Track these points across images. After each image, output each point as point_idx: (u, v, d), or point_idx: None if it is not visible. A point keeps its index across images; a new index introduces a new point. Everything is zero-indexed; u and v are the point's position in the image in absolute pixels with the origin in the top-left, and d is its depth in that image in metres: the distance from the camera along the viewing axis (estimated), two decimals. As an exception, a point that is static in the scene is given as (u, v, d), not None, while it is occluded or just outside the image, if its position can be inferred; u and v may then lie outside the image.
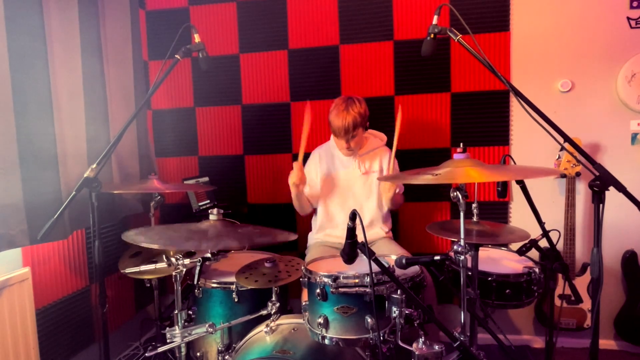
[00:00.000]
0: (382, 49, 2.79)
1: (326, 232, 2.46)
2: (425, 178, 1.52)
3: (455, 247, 1.54)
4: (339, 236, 2.39)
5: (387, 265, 1.39)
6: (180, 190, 2.49)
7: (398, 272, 1.60)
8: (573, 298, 2.47)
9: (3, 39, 1.76)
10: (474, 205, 1.94)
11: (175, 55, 1.91)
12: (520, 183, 1.92)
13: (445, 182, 1.49)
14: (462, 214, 1.56)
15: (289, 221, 2.98)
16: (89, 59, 2.29)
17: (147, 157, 2.88)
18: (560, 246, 2.30)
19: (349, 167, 2.41)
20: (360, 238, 1.36)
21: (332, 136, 2.46)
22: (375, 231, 2.42)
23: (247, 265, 1.92)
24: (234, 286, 1.88)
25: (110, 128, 2.45)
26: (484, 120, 2.73)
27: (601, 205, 1.41)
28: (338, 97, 2.32)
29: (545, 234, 1.91)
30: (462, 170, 1.53)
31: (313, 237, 2.55)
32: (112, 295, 2.64)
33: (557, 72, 2.65)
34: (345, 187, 2.40)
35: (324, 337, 1.50)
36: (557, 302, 2.54)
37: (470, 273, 1.82)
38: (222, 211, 1.71)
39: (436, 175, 1.50)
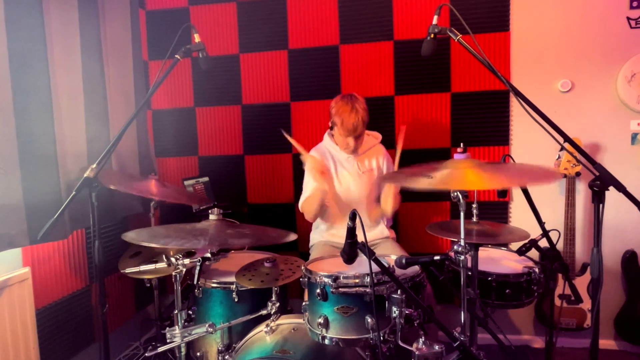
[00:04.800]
0: (382, 49, 2.79)
1: (330, 232, 2.46)
2: (421, 182, 1.50)
3: (455, 247, 1.54)
4: (342, 236, 2.38)
5: (387, 265, 1.39)
6: (176, 200, 2.43)
7: (398, 272, 1.60)
8: (573, 298, 2.47)
9: (3, 40, 1.77)
10: (474, 205, 1.94)
11: (175, 55, 1.91)
12: (520, 183, 1.92)
13: (442, 187, 1.47)
14: (462, 214, 1.56)
15: (289, 221, 2.98)
16: (89, 59, 2.29)
17: (147, 157, 2.88)
18: (560, 246, 2.30)
19: (348, 166, 2.41)
20: (360, 238, 1.36)
21: (325, 136, 2.46)
22: (376, 231, 2.43)
23: (247, 265, 1.92)
24: (234, 286, 1.88)
25: (110, 128, 2.45)
26: (484, 120, 2.73)
27: (601, 205, 1.41)
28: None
29: (545, 234, 1.90)
30: (461, 172, 1.52)
31: (315, 237, 2.55)
32: (112, 295, 2.64)
33: (557, 72, 2.65)
34: (346, 187, 2.40)
35: (324, 337, 1.50)
36: (557, 302, 2.54)
37: (470, 273, 1.82)
38: (221, 211, 1.71)
39: (430, 177, 1.49)
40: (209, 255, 1.73)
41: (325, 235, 2.48)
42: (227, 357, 1.82)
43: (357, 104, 2.24)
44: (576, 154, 1.52)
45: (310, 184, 2.37)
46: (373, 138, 2.49)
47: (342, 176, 2.41)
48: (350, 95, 2.28)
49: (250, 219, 2.99)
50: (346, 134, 2.26)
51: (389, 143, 2.61)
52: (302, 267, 1.64)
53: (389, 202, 2.35)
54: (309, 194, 2.34)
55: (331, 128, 2.36)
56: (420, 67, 2.74)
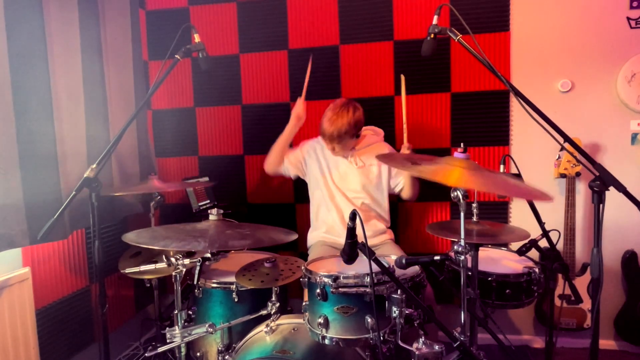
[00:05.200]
0: (382, 49, 2.79)
1: (325, 228, 2.46)
2: (410, 168, 1.56)
3: (455, 247, 1.53)
4: (339, 233, 2.38)
5: (387, 265, 1.39)
6: (180, 189, 2.51)
7: (398, 272, 1.60)
8: (573, 298, 2.46)
9: (3, 39, 1.76)
10: (474, 205, 1.93)
11: (175, 55, 1.91)
12: (520, 183, 1.92)
13: (422, 175, 1.51)
14: (462, 214, 1.56)
15: (289, 221, 2.98)
16: (89, 59, 2.29)
17: (147, 157, 2.88)
18: (560, 246, 2.30)
19: (345, 161, 2.41)
20: (360, 238, 1.36)
21: None
22: (373, 224, 2.42)
23: (247, 265, 1.92)
24: (234, 286, 1.88)
25: (110, 128, 2.45)
26: (484, 120, 2.73)
27: (601, 205, 1.41)
28: (338, 97, 2.32)
29: (545, 234, 1.91)
30: (450, 169, 1.52)
31: (313, 236, 2.54)
32: (112, 295, 2.64)
33: (557, 72, 2.65)
34: (343, 180, 2.41)
35: (324, 337, 1.50)
36: (557, 302, 2.54)
37: (470, 273, 1.82)
38: (221, 211, 1.71)
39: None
40: (208, 255, 1.73)
41: (321, 233, 2.47)
42: (227, 357, 1.82)
43: (344, 114, 2.23)
44: (576, 154, 1.52)
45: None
46: (374, 135, 2.49)
47: (340, 169, 2.41)
48: (345, 103, 2.28)
49: (250, 219, 2.99)
50: (324, 139, 2.31)
51: (386, 139, 2.61)
52: (302, 267, 1.64)
53: (406, 189, 2.42)
54: (281, 136, 2.49)
55: None
56: (420, 67, 2.74)
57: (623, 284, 2.65)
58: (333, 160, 2.42)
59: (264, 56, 2.93)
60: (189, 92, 3.04)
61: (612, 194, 1.38)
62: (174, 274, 1.66)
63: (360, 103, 2.33)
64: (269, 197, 3.01)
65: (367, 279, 1.47)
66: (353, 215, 1.35)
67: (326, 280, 1.50)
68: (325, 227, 2.46)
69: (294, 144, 2.94)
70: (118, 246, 2.57)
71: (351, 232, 1.36)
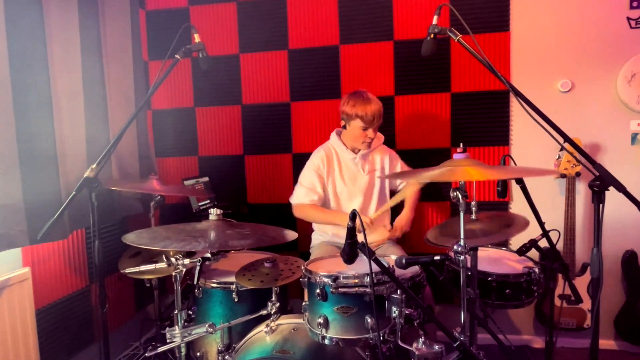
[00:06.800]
0: (382, 49, 2.79)
1: (333, 231, 2.47)
2: (422, 176, 1.54)
3: (455, 247, 1.53)
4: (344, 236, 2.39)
5: (387, 265, 1.39)
6: (179, 194, 2.51)
7: (398, 272, 1.60)
8: (573, 298, 2.46)
9: (3, 39, 1.77)
10: (472, 204, 1.93)
11: (175, 55, 1.91)
12: (520, 183, 1.92)
13: (444, 180, 1.50)
14: (462, 214, 1.56)
15: (289, 221, 2.97)
16: (89, 59, 2.29)
17: (147, 157, 2.88)
18: (560, 246, 2.29)
19: (352, 166, 2.42)
20: (360, 238, 1.37)
21: (333, 135, 2.46)
22: (380, 231, 2.43)
23: (247, 265, 1.92)
24: (234, 286, 1.88)
25: (110, 128, 2.45)
26: (484, 120, 2.73)
27: (601, 205, 1.41)
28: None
29: (545, 234, 1.90)
30: (462, 169, 1.53)
31: (318, 237, 2.55)
32: (112, 295, 2.64)
33: (557, 72, 2.64)
34: (351, 186, 2.42)
35: (324, 337, 1.50)
36: (557, 302, 2.53)
37: (470, 273, 1.82)
38: (221, 211, 1.71)
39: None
40: (208, 255, 1.73)
41: (328, 237, 2.48)
42: (227, 357, 1.82)
43: (370, 95, 2.29)
44: (576, 154, 1.52)
45: (309, 180, 2.38)
46: (376, 140, 2.50)
47: (347, 176, 2.42)
48: (359, 91, 2.32)
49: (250, 219, 2.99)
50: (368, 125, 2.27)
51: (388, 144, 2.61)
52: (302, 267, 1.64)
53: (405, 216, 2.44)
54: (330, 216, 2.40)
55: (344, 127, 2.36)
56: (420, 67, 2.74)
57: (623, 284, 2.65)
58: (340, 172, 2.43)
59: (264, 56, 2.93)
60: (189, 92, 3.04)
61: (612, 194, 1.38)
62: (174, 274, 1.66)
63: (361, 103, 2.32)
64: (269, 197, 3.01)
65: (367, 279, 1.47)
66: (353, 216, 1.35)
67: (326, 280, 1.50)
68: (331, 230, 2.47)
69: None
70: (118, 246, 2.56)
71: (351, 232, 1.36)
